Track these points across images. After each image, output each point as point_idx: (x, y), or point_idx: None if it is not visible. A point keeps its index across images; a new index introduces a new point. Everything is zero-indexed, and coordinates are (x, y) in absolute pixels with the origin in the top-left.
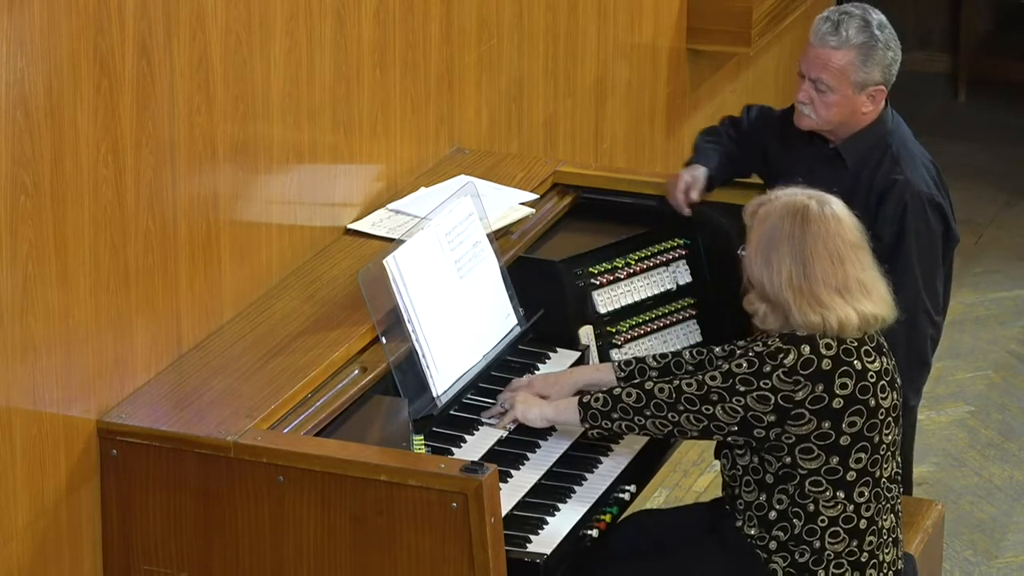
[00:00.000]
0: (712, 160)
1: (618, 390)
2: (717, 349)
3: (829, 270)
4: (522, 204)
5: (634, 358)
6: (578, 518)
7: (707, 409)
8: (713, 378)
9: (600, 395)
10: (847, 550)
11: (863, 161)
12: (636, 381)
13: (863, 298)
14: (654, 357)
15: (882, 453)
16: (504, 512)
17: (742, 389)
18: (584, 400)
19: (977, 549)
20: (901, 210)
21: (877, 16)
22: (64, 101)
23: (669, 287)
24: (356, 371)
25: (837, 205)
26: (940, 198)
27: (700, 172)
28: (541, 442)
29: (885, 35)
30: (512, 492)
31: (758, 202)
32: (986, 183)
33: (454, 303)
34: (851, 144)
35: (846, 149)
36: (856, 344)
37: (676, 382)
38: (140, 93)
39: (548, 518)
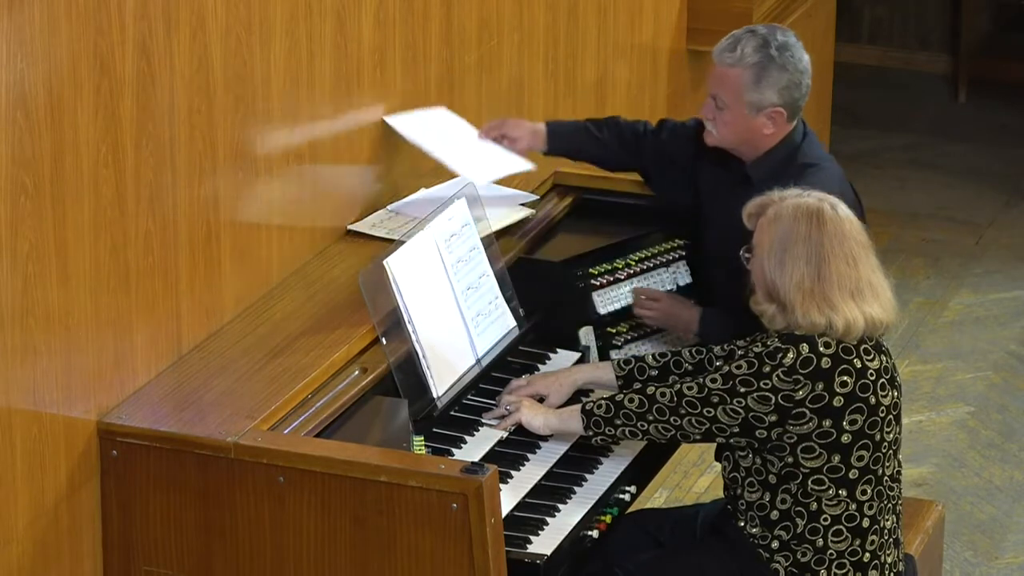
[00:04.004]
0: (560, 128)
1: (620, 396)
2: (716, 349)
3: (844, 272)
4: (522, 205)
5: (633, 357)
6: (578, 519)
7: (708, 412)
8: (713, 380)
9: (603, 402)
10: (849, 549)
11: (772, 180)
12: (637, 386)
13: (873, 301)
14: (653, 356)
15: (883, 451)
16: (504, 513)
17: (742, 390)
18: (587, 407)
19: (977, 550)
20: None
21: (783, 37)
22: (64, 101)
23: (669, 288)
24: (356, 372)
25: (845, 207)
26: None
27: (526, 124)
28: (541, 443)
29: (783, 57)
30: (512, 493)
31: (760, 203)
32: (986, 183)
33: (454, 304)
34: (759, 164)
35: (754, 169)
36: (855, 343)
37: (677, 386)
38: (140, 93)
39: (548, 519)
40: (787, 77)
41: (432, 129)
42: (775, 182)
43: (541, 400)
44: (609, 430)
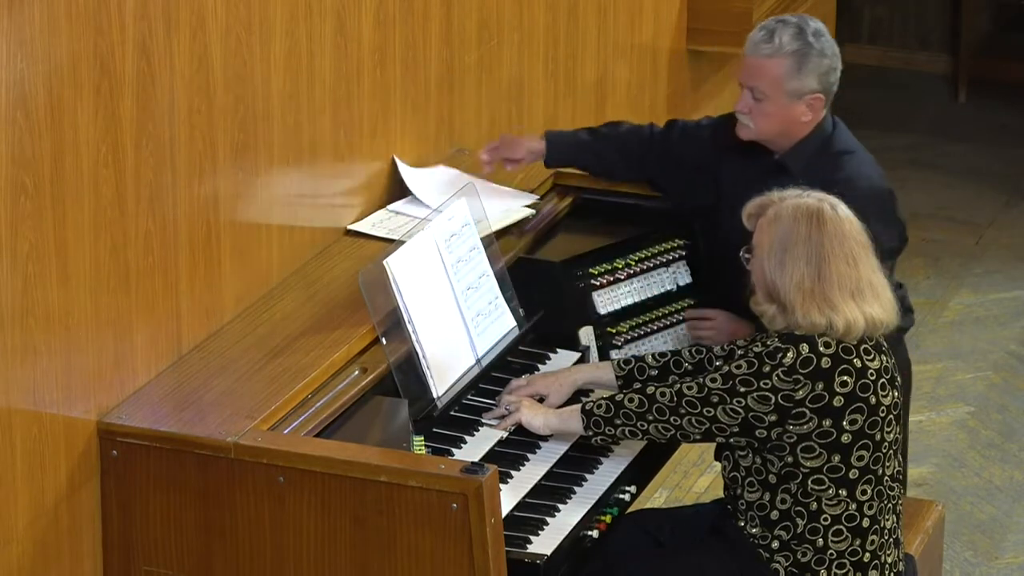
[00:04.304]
0: (560, 141)
1: (620, 396)
2: (716, 349)
3: (845, 272)
4: (523, 205)
5: (633, 357)
6: (578, 519)
7: (708, 411)
8: (713, 380)
9: (602, 402)
10: (849, 549)
11: (808, 169)
12: (637, 386)
13: (873, 301)
14: (653, 356)
15: (884, 451)
16: (504, 513)
17: (742, 390)
18: (587, 407)
19: (977, 550)
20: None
21: (814, 24)
22: (64, 101)
23: (669, 288)
24: (356, 372)
25: (843, 206)
26: (881, 192)
27: (524, 143)
28: (541, 443)
29: (821, 43)
30: (512, 493)
31: (759, 204)
32: (986, 183)
33: (454, 304)
34: (794, 153)
35: (790, 159)
36: (855, 343)
37: (677, 386)
38: (140, 93)
39: (548, 519)
40: (826, 62)
41: (436, 186)
42: (813, 171)
43: (541, 400)
44: (609, 430)
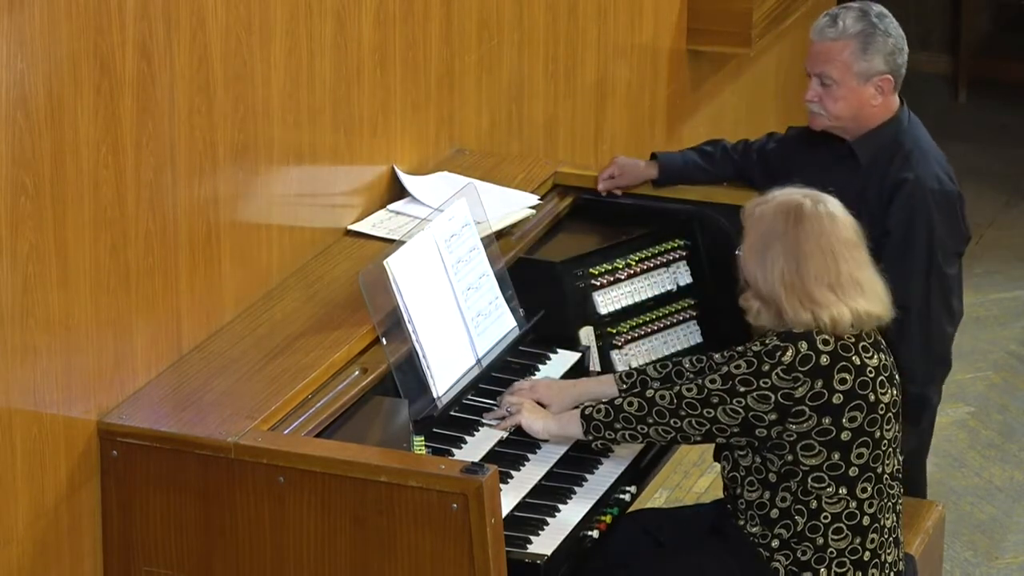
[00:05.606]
0: (669, 163)
1: (619, 400)
2: (717, 356)
3: (822, 267)
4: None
5: (635, 370)
6: (579, 519)
7: (708, 412)
8: (713, 381)
9: (602, 406)
10: (850, 547)
11: (876, 159)
12: (636, 390)
13: (857, 295)
14: (655, 367)
15: (883, 449)
16: (504, 513)
17: (742, 390)
18: (586, 412)
19: (977, 550)
20: (910, 208)
21: (877, 8)
22: (64, 101)
23: (669, 288)
24: (356, 372)
25: (833, 204)
26: (950, 195)
27: (636, 166)
28: (541, 443)
29: (885, 23)
30: (512, 493)
31: (755, 203)
32: (986, 183)
33: (454, 304)
34: (865, 142)
35: (860, 147)
36: (854, 340)
37: (676, 388)
38: (140, 93)
39: (549, 519)
40: (891, 42)
41: (437, 189)
42: (881, 164)
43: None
44: (609, 434)
